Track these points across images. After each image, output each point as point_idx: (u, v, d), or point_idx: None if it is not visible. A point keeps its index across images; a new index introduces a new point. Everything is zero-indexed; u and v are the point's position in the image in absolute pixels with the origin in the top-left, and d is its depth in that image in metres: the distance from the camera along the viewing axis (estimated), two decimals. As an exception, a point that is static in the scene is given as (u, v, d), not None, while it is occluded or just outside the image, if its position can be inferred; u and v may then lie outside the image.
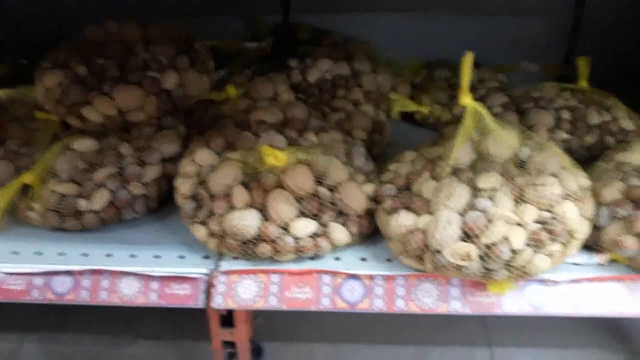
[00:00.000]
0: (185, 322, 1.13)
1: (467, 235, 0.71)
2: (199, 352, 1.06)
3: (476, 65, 1.42)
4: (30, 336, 1.12)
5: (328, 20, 1.49)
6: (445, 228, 0.71)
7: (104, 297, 0.81)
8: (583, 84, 1.10)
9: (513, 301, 0.75)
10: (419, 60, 1.46)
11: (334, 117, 1.12)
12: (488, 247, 0.70)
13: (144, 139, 0.99)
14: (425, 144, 0.95)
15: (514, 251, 0.69)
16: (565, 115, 1.03)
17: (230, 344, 0.91)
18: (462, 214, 0.73)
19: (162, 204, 0.98)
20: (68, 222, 0.90)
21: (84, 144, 0.97)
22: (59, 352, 1.08)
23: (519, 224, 0.71)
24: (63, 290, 0.82)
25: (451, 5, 1.53)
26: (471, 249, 0.70)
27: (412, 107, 1.20)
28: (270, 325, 1.09)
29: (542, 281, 0.75)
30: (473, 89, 1.32)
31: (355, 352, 1.05)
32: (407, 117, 1.32)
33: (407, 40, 1.52)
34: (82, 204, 0.89)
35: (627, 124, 0.99)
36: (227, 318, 0.87)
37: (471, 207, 0.74)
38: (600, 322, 1.10)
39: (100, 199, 0.89)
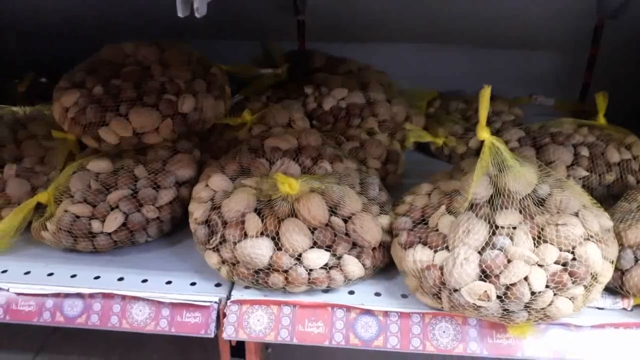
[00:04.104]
0: (193, 349, 1.12)
1: (486, 275, 0.69)
2: None
3: (491, 97, 1.42)
4: (42, 355, 1.10)
5: (342, 49, 1.50)
6: (463, 266, 0.70)
7: (114, 322, 0.80)
8: (601, 120, 1.09)
9: (534, 346, 0.73)
10: (433, 91, 1.47)
11: (348, 146, 1.12)
12: (507, 287, 0.68)
13: (159, 162, 0.99)
14: (441, 175, 0.94)
15: (534, 293, 0.68)
16: (584, 152, 1.02)
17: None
18: (480, 251, 0.72)
19: (175, 229, 0.98)
20: (80, 243, 0.89)
21: (99, 165, 0.97)
22: None
23: (539, 265, 0.69)
24: (74, 314, 0.81)
25: (465, 37, 1.54)
26: (490, 288, 0.68)
27: (426, 137, 1.19)
28: (280, 356, 1.07)
29: (565, 325, 0.73)
30: (489, 121, 1.32)
31: None
32: (422, 147, 1.32)
33: (421, 71, 1.52)
34: (95, 225, 0.89)
35: (649, 162, 0.98)
36: (237, 349, 0.86)
37: (489, 244, 0.72)
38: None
39: (113, 222, 0.89)
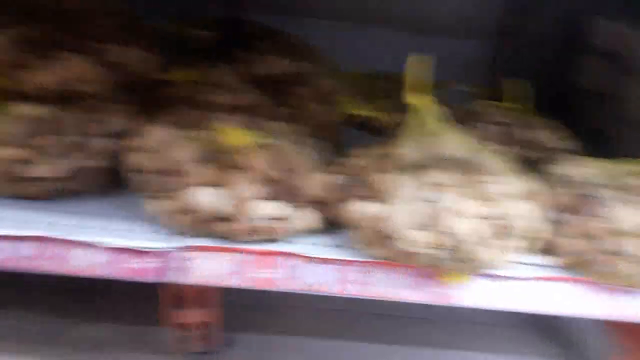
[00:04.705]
0: (146, 306, 1.09)
1: (420, 225, 0.77)
2: (159, 336, 1.02)
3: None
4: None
5: (277, 24, 1.52)
6: (397, 217, 0.77)
7: (52, 267, 0.77)
8: (509, 103, 1.23)
9: (464, 294, 0.82)
10: (358, 71, 1.54)
11: (283, 113, 1.15)
12: (438, 236, 0.76)
13: (91, 111, 0.95)
14: (374, 143, 1.01)
15: (462, 243, 0.76)
16: (494, 130, 1.15)
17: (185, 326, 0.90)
18: (413, 204, 0.80)
19: (110, 181, 0.95)
20: (8, 188, 0.84)
21: (26, 111, 0.92)
22: (15, 327, 0.99)
23: (467, 218, 0.78)
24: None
25: (389, 20, 1.63)
26: (422, 237, 0.76)
27: (358, 110, 1.26)
28: (241, 317, 1.09)
29: (493, 277, 0.83)
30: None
31: (327, 344, 1.08)
32: (352, 124, 1.38)
33: (352, 50, 1.59)
34: (26, 170, 0.84)
35: (549, 140, 1.13)
36: (183, 298, 0.86)
37: (421, 199, 0.80)
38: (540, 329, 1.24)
39: (46, 167, 0.85)
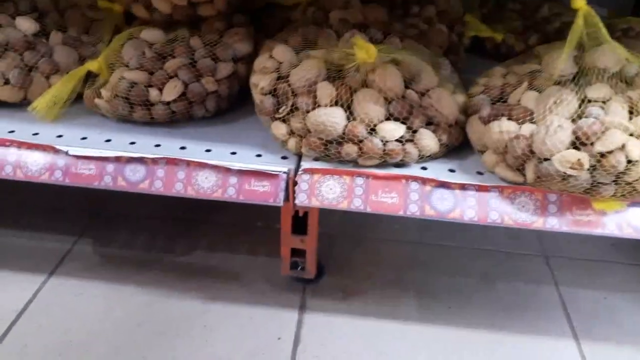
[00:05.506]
0: (242, 238, 1.11)
1: (580, 143, 0.67)
2: (254, 267, 1.03)
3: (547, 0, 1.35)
4: (84, 239, 1.09)
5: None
6: (557, 133, 0.67)
7: (179, 189, 0.78)
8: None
9: (615, 222, 0.72)
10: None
11: (407, 34, 1.06)
12: (602, 155, 0.66)
13: (216, 34, 0.94)
14: (512, 61, 0.90)
15: (630, 162, 0.65)
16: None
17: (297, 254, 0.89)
18: (571, 121, 0.69)
19: (231, 107, 0.94)
20: (137, 111, 0.86)
21: (152, 34, 0.92)
22: (111, 255, 1.05)
23: (635, 136, 0.66)
24: (136, 179, 0.79)
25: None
26: (583, 156, 0.66)
27: (486, 32, 1.13)
28: (329, 250, 1.07)
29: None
30: (548, 21, 1.26)
31: (415, 277, 1.03)
32: (475, 49, 1.26)
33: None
34: (153, 94, 0.85)
35: None
36: (299, 226, 0.84)
37: (582, 115, 0.69)
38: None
39: (172, 90, 0.85)
